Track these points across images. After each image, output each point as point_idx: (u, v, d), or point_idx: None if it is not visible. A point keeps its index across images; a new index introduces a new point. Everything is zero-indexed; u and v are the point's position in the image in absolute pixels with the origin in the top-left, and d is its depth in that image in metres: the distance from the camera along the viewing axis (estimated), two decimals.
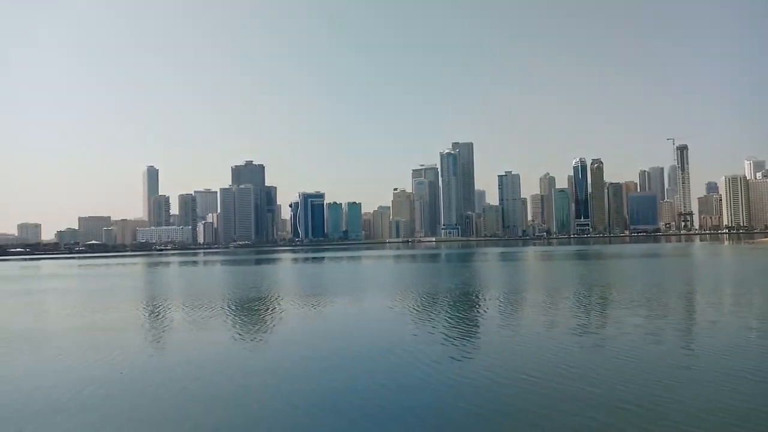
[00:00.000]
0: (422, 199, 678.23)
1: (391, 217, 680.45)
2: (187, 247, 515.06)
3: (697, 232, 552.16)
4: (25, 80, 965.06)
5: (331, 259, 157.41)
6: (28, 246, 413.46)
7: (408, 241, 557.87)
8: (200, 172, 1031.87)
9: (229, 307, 44.89)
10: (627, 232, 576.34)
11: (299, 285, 68.99)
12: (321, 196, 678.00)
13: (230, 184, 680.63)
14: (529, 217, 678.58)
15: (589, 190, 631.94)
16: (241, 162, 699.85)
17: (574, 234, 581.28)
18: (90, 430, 15.86)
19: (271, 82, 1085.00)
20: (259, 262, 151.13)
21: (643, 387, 18.14)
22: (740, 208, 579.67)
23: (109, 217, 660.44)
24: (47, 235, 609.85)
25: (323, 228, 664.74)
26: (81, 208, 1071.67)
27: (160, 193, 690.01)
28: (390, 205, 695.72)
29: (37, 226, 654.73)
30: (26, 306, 52.67)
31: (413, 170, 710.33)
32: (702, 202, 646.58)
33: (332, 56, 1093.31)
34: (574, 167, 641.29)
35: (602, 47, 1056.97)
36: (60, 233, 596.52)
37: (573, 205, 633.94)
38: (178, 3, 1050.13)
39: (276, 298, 50.73)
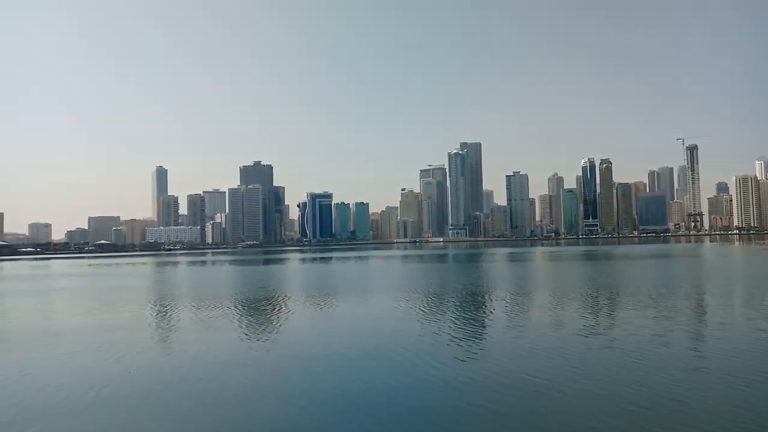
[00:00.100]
0: (430, 199, 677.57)
1: (398, 218, 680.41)
2: (195, 247, 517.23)
3: (707, 232, 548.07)
4: (37, 80, 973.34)
5: (339, 259, 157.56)
6: (39, 246, 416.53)
7: (415, 242, 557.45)
8: (209, 172, 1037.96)
9: (236, 306, 45.05)
10: (636, 233, 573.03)
11: (306, 285, 69.11)
12: (329, 196, 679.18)
13: (238, 184, 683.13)
14: (538, 218, 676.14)
15: (598, 190, 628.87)
16: (249, 162, 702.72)
17: (582, 234, 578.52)
18: (98, 429, 15.96)
19: (279, 82, 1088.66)
20: (267, 262, 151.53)
21: (651, 389, 18.01)
22: (751, 208, 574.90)
23: (119, 217, 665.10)
24: (57, 235, 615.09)
25: (331, 228, 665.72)
26: (91, 208, 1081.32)
27: (169, 193, 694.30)
28: (398, 205, 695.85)
29: (48, 226, 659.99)
30: (36, 305, 53.10)
31: (421, 170, 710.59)
32: (712, 202, 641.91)
33: (341, 57, 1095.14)
34: (582, 167, 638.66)
35: (611, 47, 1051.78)
36: (70, 233, 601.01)
37: (581, 205, 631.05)
38: (188, 3, 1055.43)
39: (283, 298, 50.86)
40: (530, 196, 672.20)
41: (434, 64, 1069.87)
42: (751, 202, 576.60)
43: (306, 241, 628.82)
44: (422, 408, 16.97)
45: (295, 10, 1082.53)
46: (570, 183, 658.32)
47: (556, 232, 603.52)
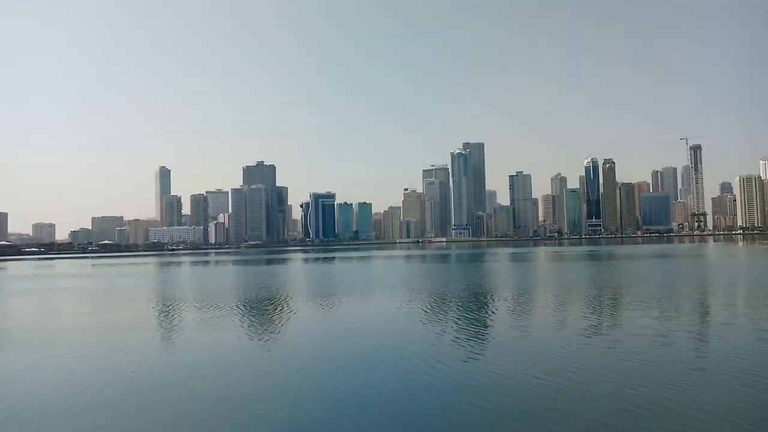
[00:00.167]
0: (433, 199, 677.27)
1: (401, 218, 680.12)
2: (198, 247, 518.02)
3: (710, 232, 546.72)
4: (38, 81, 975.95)
5: (342, 259, 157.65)
6: (43, 246, 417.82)
7: (418, 242, 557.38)
8: (212, 172, 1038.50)
9: (239, 306, 45.10)
10: (639, 233, 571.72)
11: (309, 285, 69.16)
12: (332, 196, 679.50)
13: (241, 184, 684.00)
14: (541, 218, 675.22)
15: (601, 190, 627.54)
16: (252, 162, 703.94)
17: (585, 234, 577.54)
18: (100, 429, 15.98)
19: (281, 82, 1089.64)
20: (270, 262, 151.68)
21: (654, 389, 17.97)
22: (755, 208, 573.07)
23: (122, 217, 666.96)
24: (61, 235, 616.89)
25: (334, 228, 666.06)
26: (94, 208, 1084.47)
27: (172, 193, 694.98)
28: (400, 205, 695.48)
29: (52, 226, 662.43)
30: (40, 305, 53.26)
31: (424, 170, 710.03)
32: (716, 202, 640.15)
33: (343, 57, 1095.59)
34: (585, 167, 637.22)
35: (614, 46, 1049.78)
36: (74, 233, 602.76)
37: (584, 205, 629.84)
38: (190, 3, 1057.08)
39: (286, 298, 50.92)
40: (533, 196, 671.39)
41: (437, 65, 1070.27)
42: (755, 202, 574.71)
43: (309, 241, 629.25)
44: (425, 409, 16.95)
45: (298, 11, 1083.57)
46: (573, 183, 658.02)
47: (559, 232, 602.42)
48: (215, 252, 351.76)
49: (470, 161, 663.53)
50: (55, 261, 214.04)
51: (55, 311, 47.66)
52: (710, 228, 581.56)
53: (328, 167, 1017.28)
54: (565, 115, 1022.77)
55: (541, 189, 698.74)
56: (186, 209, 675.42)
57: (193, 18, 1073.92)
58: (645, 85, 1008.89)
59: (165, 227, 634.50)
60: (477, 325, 32.37)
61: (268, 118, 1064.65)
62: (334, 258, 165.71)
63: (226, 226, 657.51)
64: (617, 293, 47.25)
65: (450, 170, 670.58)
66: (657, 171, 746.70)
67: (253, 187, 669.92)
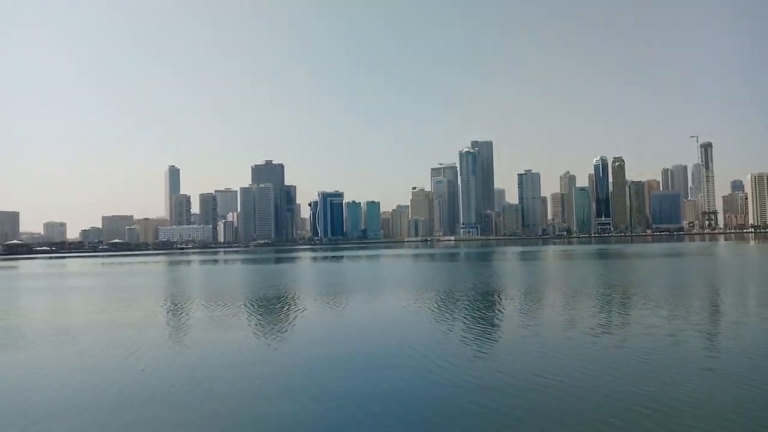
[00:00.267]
0: (441, 197, 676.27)
1: (409, 216, 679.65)
2: (207, 246, 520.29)
3: (721, 231, 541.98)
4: (48, 81, 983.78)
5: (350, 257, 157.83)
6: (54, 244, 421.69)
7: (427, 240, 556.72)
8: (221, 171, 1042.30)
9: (247, 305, 45.27)
10: (649, 231, 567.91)
11: (317, 283, 69.30)
12: (340, 195, 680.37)
13: (250, 183, 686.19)
14: (550, 216, 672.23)
15: (611, 188, 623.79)
16: (260, 161, 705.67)
17: (594, 233, 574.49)
18: (109, 426, 16.06)
19: (290, 82, 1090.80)
20: (278, 260, 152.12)
21: (662, 389, 17.82)
22: (766, 206, 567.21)
23: (132, 216, 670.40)
24: (72, 234, 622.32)
25: (342, 227, 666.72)
26: (104, 207, 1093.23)
27: (182, 192, 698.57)
28: (409, 204, 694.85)
29: (63, 225, 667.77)
30: (50, 303, 53.73)
31: (432, 169, 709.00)
32: (727, 200, 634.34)
33: (351, 56, 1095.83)
34: (595, 166, 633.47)
35: (624, 45, 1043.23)
36: (84, 232, 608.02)
37: (594, 203, 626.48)
38: (198, 5, 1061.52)
39: (294, 297, 51.04)
40: (542, 195, 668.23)
41: (445, 64, 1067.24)
42: (766, 200, 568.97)
43: (317, 239, 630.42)
44: (430, 408, 16.90)
45: (303, 15, 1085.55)
46: (582, 181, 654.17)
47: (568, 231, 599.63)
48: (224, 251, 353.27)
49: (479, 160, 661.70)
50: (66, 260, 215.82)
51: (65, 310, 48.03)
52: (721, 226, 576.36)
53: (337, 166, 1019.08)
54: (574, 113, 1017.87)
55: (550, 187, 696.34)
56: (195, 208, 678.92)
57: (202, 19, 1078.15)
58: (655, 83, 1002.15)
59: (174, 226, 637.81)
60: (484, 324, 32.28)
61: (277, 117, 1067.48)
62: (342, 257, 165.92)
63: (235, 225, 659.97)
64: (626, 292, 46.96)
65: (458, 169, 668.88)
66: (667, 169, 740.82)
67: (262, 186, 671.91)
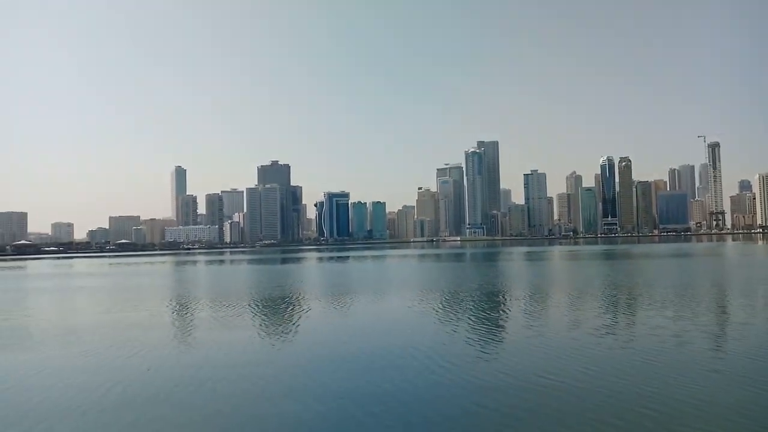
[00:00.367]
0: (447, 198, 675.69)
1: (415, 217, 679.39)
2: (214, 246, 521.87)
3: (729, 231, 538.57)
4: (54, 82, 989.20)
5: (356, 258, 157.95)
6: (62, 245, 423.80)
7: (432, 241, 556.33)
8: (227, 172, 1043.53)
9: (252, 305, 45.39)
10: (656, 232, 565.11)
11: (323, 284, 69.39)
12: (346, 195, 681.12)
13: (256, 183, 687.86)
14: (556, 217, 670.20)
15: (617, 188, 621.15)
16: (267, 162, 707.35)
17: (601, 233, 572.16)
18: (115, 426, 16.14)
19: (293, 82, 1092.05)
20: (284, 261, 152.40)
21: (667, 390, 17.73)
22: None
23: (139, 217, 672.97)
24: (79, 234, 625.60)
25: (348, 227, 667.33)
26: (111, 207, 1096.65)
27: (188, 192, 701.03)
28: (414, 204, 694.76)
29: (70, 226, 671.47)
30: (57, 303, 54.05)
31: (438, 169, 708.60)
32: (735, 200, 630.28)
33: (353, 56, 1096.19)
34: (601, 166, 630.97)
35: (630, 44, 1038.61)
36: (91, 232, 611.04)
37: (600, 204, 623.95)
38: (199, 5, 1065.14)
39: (299, 297, 51.12)
40: (548, 195, 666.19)
41: (447, 64, 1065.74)
42: None
43: (323, 240, 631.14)
44: (431, 409, 16.88)
45: (306, 16, 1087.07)
46: (588, 181, 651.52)
47: (575, 231, 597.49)
48: (230, 251, 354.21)
49: (484, 160, 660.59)
50: (74, 260, 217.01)
51: (71, 310, 48.31)
52: (729, 227, 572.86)
53: (342, 167, 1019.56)
54: (580, 113, 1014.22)
55: (556, 187, 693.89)
56: (201, 209, 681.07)
57: (209, 19, 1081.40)
58: (662, 83, 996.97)
59: (181, 227, 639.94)
60: (489, 325, 32.23)
61: (283, 118, 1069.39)
62: (348, 257, 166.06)
63: (241, 225, 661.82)
64: (632, 293, 46.77)
65: (464, 169, 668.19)
66: (674, 169, 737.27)
67: (268, 186, 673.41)
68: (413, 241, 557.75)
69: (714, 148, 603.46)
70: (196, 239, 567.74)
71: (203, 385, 20.23)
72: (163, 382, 20.88)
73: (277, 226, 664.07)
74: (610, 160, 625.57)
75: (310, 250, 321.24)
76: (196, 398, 18.62)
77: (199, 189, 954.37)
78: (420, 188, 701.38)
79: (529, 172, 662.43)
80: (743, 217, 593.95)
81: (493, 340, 27.60)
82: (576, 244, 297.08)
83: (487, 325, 32.25)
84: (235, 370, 22.29)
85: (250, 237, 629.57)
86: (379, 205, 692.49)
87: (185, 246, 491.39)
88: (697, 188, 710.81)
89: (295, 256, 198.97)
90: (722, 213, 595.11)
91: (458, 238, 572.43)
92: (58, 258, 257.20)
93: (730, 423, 14.94)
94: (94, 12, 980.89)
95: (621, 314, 35.32)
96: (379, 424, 15.76)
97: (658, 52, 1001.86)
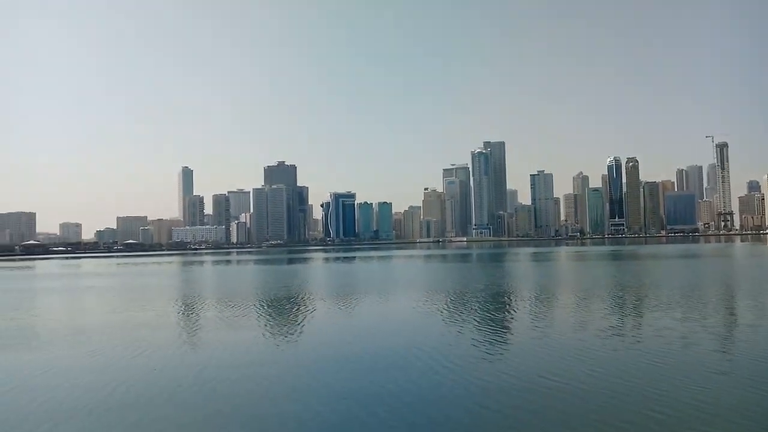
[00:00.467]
0: (453, 198, 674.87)
1: (421, 217, 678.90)
2: (220, 247, 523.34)
3: (737, 232, 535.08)
4: (61, 83, 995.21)
5: (362, 258, 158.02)
6: (70, 245, 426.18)
7: (439, 241, 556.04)
8: (233, 172, 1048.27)
9: (259, 306, 45.49)
10: (664, 233, 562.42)
11: (329, 284, 69.45)
12: (352, 196, 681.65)
13: (263, 184, 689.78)
14: (562, 217, 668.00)
15: (624, 189, 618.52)
16: (273, 162, 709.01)
17: (608, 234, 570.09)
18: (117, 426, 16.20)
19: (303, 84, 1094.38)
20: (291, 261, 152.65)
21: (674, 393, 17.61)
22: None
23: (146, 217, 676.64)
24: (87, 235, 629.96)
25: (354, 228, 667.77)
26: (119, 208, 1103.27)
27: (195, 193, 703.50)
28: (421, 205, 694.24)
29: (78, 226, 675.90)
30: (65, 303, 54.36)
31: (444, 170, 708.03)
32: (743, 201, 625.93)
33: (363, 57, 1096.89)
34: (608, 166, 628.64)
35: (638, 44, 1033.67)
36: (99, 232, 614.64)
37: (607, 204, 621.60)
38: (211, 7, 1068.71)
39: (305, 298, 51.18)
40: (555, 196, 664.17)
41: (457, 64, 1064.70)
42: None
43: (329, 240, 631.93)
44: (435, 410, 16.83)
45: (313, 17, 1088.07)
46: (595, 182, 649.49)
47: (581, 232, 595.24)
48: (237, 251, 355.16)
49: (491, 160, 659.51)
50: (81, 260, 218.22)
51: (79, 310, 48.59)
52: (737, 227, 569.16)
53: (349, 167, 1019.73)
54: (587, 113, 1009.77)
55: (562, 188, 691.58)
56: (208, 209, 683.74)
57: (215, 19, 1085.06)
58: (669, 83, 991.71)
59: (188, 227, 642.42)
60: (495, 326, 32.16)
61: (289, 118, 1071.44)
62: (354, 257, 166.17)
63: (248, 225, 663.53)
64: (639, 294, 46.54)
65: (470, 169, 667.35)
66: (682, 169, 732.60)
67: (274, 187, 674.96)
68: (419, 242, 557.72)
69: (722, 148, 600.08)
70: (203, 239, 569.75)
71: (207, 385, 20.28)
72: (169, 381, 20.96)
73: (284, 227, 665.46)
74: (617, 161, 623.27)
75: (316, 250, 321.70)
76: (199, 398, 18.67)
77: (206, 189, 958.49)
78: (426, 189, 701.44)
79: (536, 173, 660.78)
80: (752, 217, 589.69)
81: (498, 341, 27.54)
82: (583, 244, 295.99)
83: (492, 326, 32.18)
84: (239, 371, 22.35)
85: (256, 237, 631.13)
86: (385, 206, 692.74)
87: (192, 246, 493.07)
88: (705, 189, 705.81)
89: (302, 256, 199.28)
90: (730, 214, 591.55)
91: (464, 239, 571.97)
92: (66, 258, 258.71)
93: (737, 426, 14.82)
94: (110, 12, 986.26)
95: (627, 315, 35.15)
96: (383, 424, 15.74)
97: (658, 52, 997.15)
